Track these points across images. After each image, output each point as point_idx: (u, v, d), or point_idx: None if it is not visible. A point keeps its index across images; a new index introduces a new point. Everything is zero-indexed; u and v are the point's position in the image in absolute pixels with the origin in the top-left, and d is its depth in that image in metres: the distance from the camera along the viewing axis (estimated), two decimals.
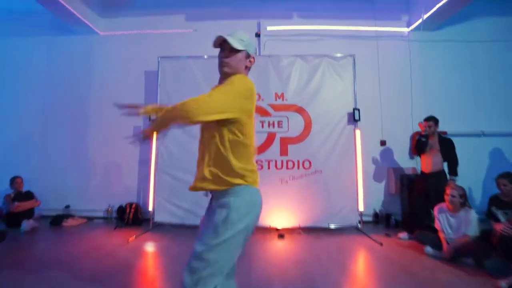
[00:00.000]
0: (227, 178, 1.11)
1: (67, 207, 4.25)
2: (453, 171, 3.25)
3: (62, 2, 3.78)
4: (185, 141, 3.71)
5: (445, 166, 3.32)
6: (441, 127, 4.03)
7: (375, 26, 4.36)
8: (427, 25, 4.19)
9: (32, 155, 4.44)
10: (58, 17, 4.15)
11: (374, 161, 4.26)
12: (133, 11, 4.55)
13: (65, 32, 4.52)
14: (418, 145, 3.41)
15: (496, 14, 4.40)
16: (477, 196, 4.14)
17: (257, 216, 1.17)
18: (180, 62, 3.95)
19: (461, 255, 2.59)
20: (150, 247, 3.10)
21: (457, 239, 2.64)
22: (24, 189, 3.88)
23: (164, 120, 1.09)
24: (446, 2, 3.67)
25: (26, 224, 3.57)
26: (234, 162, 1.12)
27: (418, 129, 3.67)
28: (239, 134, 1.13)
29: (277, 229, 3.62)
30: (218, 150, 1.13)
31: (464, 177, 3.93)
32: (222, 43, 1.22)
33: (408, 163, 4.22)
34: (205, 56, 3.92)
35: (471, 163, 4.06)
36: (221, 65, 1.21)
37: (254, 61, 1.31)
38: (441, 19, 4.10)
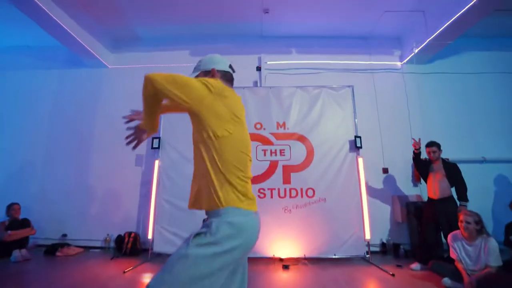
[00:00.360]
0: None
1: (64, 235, 4.11)
2: (463, 196, 3.18)
3: (76, 38, 4.08)
4: (188, 169, 3.70)
5: (453, 191, 3.28)
6: (442, 154, 4.09)
7: (370, 60, 4.63)
8: (419, 59, 4.44)
9: (33, 182, 4.41)
10: (72, 51, 4.44)
11: (378, 189, 4.21)
12: (141, 46, 4.87)
13: (77, 65, 4.79)
14: (416, 163, 3.44)
15: (483, 49, 4.70)
16: (488, 224, 4.00)
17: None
18: None
19: None
20: (146, 279, 2.93)
21: (478, 271, 2.50)
22: (22, 216, 3.78)
23: (144, 106, 1.15)
24: (434, 37, 3.96)
25: (17, 254, 3.41)
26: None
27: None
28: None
29: (281, 259, 3.45)
30: None
31: (471, 205, 3.87)
32: None
33: (412, 191, 4.17)
34: None
35: (477, 190, 4.00)
36: None
37: (216, 72, 1.31)
38: (431, 53, 4.37)
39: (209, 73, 1.29)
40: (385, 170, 4.27)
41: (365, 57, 4.66)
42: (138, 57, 4.79)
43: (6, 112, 4.74)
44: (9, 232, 3.46)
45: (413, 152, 3.49)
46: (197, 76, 1.29)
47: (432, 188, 3.32)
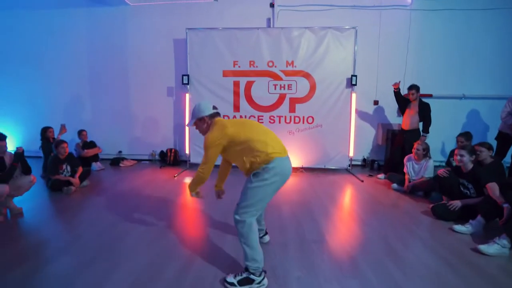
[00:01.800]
0: None
1: (120, 152, 5.43)
2: (426, 129, 4.10)
3: None
4: (211, 99, 4.58)
5: (421, 125, 4.18)
6: (428, 91, 4.78)
7: None
8: None
9: (86, 112, 5.46)
10: None
11: (367, 117, 5.11)
12: None
13: (100, 3, 5.09)
14: (396, 99, 4.26)
15: None
16: (449, 148, 5.05)
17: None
18: (204, 33, 4.59)
19: (416, 190, 3.63)
20: (189, 180, 4.23)
21: (416, 179, 3.67)
22: (88, 140, 4.96)
23: (191, 185, 2.02)
24: None
25: (96, 165, 4.76)
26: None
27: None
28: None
29: None
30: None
31: (443, 133, 4.83)
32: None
33: (396, 120, 5.04)
34: (220, 28, 4.59)
35: (451, 122, 4.91)
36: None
37: (206, 117, 1.84)
38: None
39: (202, 119, 1.86)
40: (376, 102, 5.07)
41: None
42: None
43: (45, 50, 5.33)
44: (85, 150, 4.70)
45: (393, 91, 4.23)
46: (194, 124, 1.91)
47: (405, 121, 4.21)
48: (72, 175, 3.63)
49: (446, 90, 4.93)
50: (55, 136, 4.35)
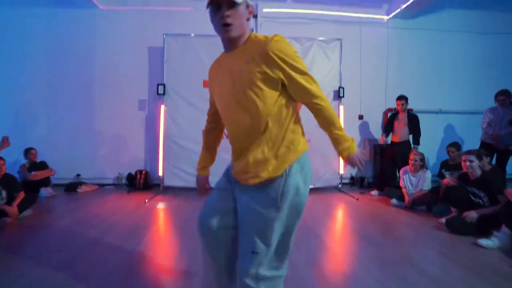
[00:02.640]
0: None
1: (78, 175, 4.57)
2: (416, 141, 4.03)
3: None
4: (191, 113, 4.11)
5: (410, 137, 4.09)
6: (408, 105, 4.80)
7: (359, 13, 4.85)
8: (404, 14, 4.76)
9: (39, 126, 4.58)
10: None
11: (353, 132, 4.96)
12: None
13: (65, 4, 4.52)
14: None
15: (467, 8, 5.05)
16: (431, 162, 5.03)
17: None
18: (184, 39, 4.22)
19: (417, 204, 3.39)
20: (164, 207, 3.60)
21: (415, 193, 3.45)
22: (37, 160, 4.12)
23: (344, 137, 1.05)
24: None
25: (45, 191, 3.91)
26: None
27: (391, 106, 4.38)
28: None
29: None
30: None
31: (422, 147, 4.78)
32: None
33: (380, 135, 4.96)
34: (201, 34, 4.16)
35: (429, 136, 4.90)
36: (225, 28, 0.92)
37: (253, 10, 1.04)
38: (417, 9, 4.67)
39: (249, 6, 1.00)
40: (361, 117, 4.97)
41: (355, 9, 4.85)
42: None
43: None
44: (33, 172, 3.85)
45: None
46: (239, 4, 0.91)
47: (395, 133, 4.11)
48: (8, 203, 2.81)
49: (424, 105, 5.01)
50: None
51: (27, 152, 3.99)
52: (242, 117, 0.98)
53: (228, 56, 1.04)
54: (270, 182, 0.95)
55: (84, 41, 4.60)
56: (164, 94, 4.15)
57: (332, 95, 4.39)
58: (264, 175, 0.95)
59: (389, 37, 4.93)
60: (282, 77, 0.95)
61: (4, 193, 2.84)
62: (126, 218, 3.03)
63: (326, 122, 1.06)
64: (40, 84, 4.59)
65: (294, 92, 1.00)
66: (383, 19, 4.94)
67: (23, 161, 4.01)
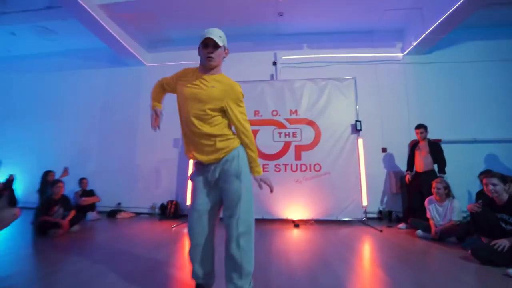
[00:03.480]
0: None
1: (119, 204, 5.16)
2: (442, 170, 3.85)
3: (120, 40, 4.93)
4: None
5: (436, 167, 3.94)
6: (435, 136, 4.69)
7: (374, 52, 5.20)
8: (418, 50, 4.97)
9: (91, 162, 5.49)
10: (116, 52, 5.32)
11: (377, 166, 4.90)
12: (173, 46, 5.69)
13: (120, 64, 5.70)
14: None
15: (480, 39, 5.12)
16: (467, 195, 4.61)
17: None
18: None
19: (446, 236, 3.15)
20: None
21: (443, 224, 3.22)
22: (88, 188, 4.83)
23: (256, 163, 1.58)
24: (431, 31, 4.46)
25: (91, 215, 4.48)
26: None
27: (415, 137, 4.32)
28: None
29: (293, 221, 4.29)
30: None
31: (458, 179, 4.51)
32: (206, 41, 1.46)
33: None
34: None
35: (465, 167, 4.62)
36: (208, 59, 1.47)
37: (228, 52, 1.57)
38: (429, 44, 4.86)
39: (225, 49, 1.55)
40: (384, 150, 4.94)
41: (369, 50, 5.22)
42: (171, 56, 5.62)
43: (65, 107, 5.81)
44: (83, 198, 4.51)
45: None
46: (219, 48, 1.49)
47: (418, 163, 4.00)
48: (63, 218, 3.36)
49: (454, 135, 4.82)
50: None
51: (81, 181, 4.73)
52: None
53: (201, 75, 1.56)
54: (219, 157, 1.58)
55: (131, 93, 5.64)
56: None
57: (350, 128, 4.53)
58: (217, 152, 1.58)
59: (407, 72, 5.10)
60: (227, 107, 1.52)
61: (61, 210, 3.40)
62: (153, 238, 3.34)
63: (245, 144, 1.59)
64: (94, 129, 5.64)
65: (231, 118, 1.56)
66: (398, 56, 5.19)
67: (77, 189, 4.72)
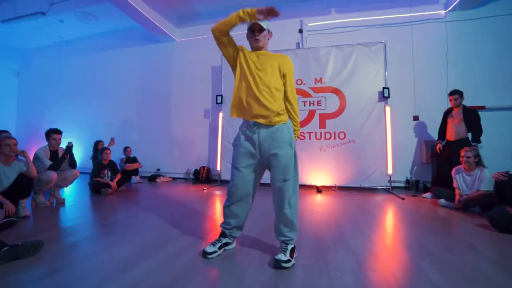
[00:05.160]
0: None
1: (158, 169, 5.78)
2: (476, 138, 3.60)
3: (151, 19, 5.18)
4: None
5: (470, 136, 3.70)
6: (477, 103, 4.33)
7: (410, 12, 4.76)
8: (465, 4, 4.43)
9: (132, 133, 6.14)
10: (148, 30, 5.63)
11: (407, 134, 4.72)
12: (201, 20, 5.80)
13: (152, 41, 6.04)
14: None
15: None
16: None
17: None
18: None
19: (470, 206, 3.03)
20: (219, 192, 4.25)
21: (470, 194, 3.11)
22: (131, 155, 5.46)
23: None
24: None
25: (135, 179, 5.12)
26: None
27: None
28: None
29: (316, 186, 4.46)
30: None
31: (502, 149, 4.20)
32: (253, 26, 1.74)
33: None
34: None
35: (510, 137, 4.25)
36: (255, 41, 1.75)
37: (272, 34, 1.82)
38: None
39: (269, 32, 1.81)
40: (416, 118, 4.71)
41: (404, 9, 4.79)
42: (200, 30, 5.78)
43: (109, 84, 6.45)
44: (127, 164, 5.14)
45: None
46: (264, 30, 1.76)
47: (450, 131, 3.79)
48: (111, 180, 3.95)
49: (501, 101, 4.39)
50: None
51: (125, 149, 5.36)
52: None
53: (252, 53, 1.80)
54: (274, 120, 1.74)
55: (164, 67, 6.01)
56: (221, 103, 4.98)
57: (377, 96, 4.39)
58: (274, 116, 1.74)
59: (448, 32, 4.62)
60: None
61: (109, 173, 3.99)
62: (187, 199, 3.79)
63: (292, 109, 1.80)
64: (134, 103, 6.20)
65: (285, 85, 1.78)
66: (439, 14, 4.70)
67: (123, 156, 5.38)
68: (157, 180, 5.34)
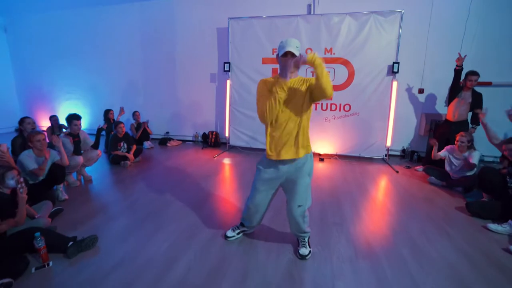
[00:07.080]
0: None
1: (167, 132, 6.02)
2: (477, 121, 3.77)
3: None
4: (251, 86, 4.81)
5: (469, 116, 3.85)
6: (487, 78, 4.32)
7: None
8: None
9: (138, 96, 6.13)
10: None
11: (410, 106, 4.86)
12: None
13: None
14: (454, 80, 3.79)
15: None
16: None
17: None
18: (245, 22, 4.75)
19: (454, 185, 3.44)
20: (227, 161, 4.61)
21: (455, 176, 3.44)
22: (141, 120, 5.61)
23: (322, 68, 1.50)
24: None
25: (146, 144, 5.40)
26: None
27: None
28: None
29: (319, 154, 4.83)
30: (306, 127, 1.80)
31: (501, 126, 4.35)
32: (286, 53, 1.61)
33: (443, 110, 4.69)
34: (264, 16, 4.67)
35: None
36: (286, 67, 1.56)
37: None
38: None
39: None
40: (421, 91, 4.78)
41: None
42: None
43: (107, 43, 6.09)
44: (138, 134, 5.34)
45: (454, 69, 3.77)
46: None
47: (453, 111, 3.88)
48: (128, 152, 4.23)
49: (508, 77, 4.40)
50: (115, 118, 5.03)
51: (134, 114, 5.50)
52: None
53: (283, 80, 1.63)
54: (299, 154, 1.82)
55: (166, 27, 5.65)
56: (229, 70, 4.91)
57: (386, 70, 4.37)
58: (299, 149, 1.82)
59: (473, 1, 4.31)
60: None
61: (125, 145, 4.25)
62: (200, 168, 4.14)
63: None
64: (137, 65, 6.00)
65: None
66: None
67: (132, 121, 5.54)
68: (168, 144, 5.62)
